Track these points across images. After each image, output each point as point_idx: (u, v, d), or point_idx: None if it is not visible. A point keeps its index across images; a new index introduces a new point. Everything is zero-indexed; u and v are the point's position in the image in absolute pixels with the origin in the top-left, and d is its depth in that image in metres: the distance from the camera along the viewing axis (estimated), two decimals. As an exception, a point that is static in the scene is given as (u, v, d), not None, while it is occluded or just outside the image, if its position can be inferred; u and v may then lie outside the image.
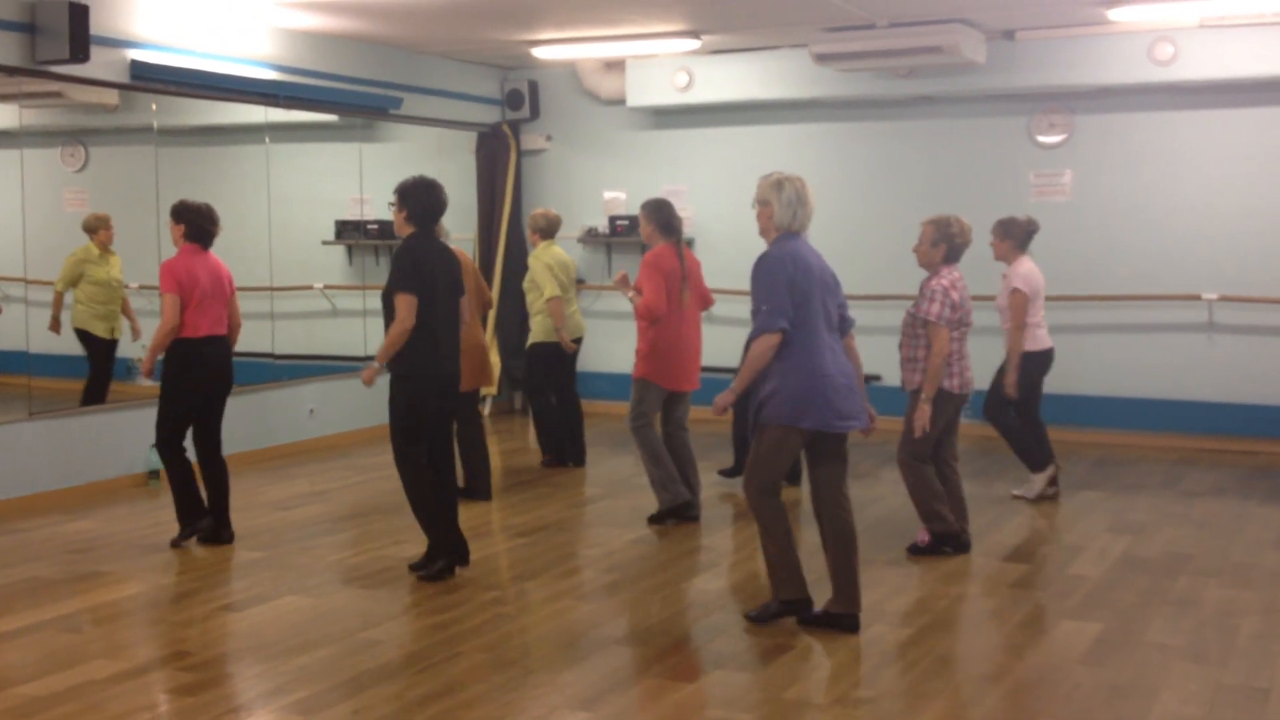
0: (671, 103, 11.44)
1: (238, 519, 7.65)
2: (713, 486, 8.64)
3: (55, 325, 8.99)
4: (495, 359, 11.93)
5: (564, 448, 9.44)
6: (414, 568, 6.52)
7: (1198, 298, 10.07)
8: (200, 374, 7.06)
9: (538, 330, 9.17)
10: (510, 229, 12.12)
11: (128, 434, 8.73)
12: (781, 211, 5.57)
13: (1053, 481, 8.27)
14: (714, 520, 7.82)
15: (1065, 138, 10.53)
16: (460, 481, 7.99)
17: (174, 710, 4.76)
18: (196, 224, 7.09)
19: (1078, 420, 10.44)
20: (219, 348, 7.11)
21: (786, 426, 5.50)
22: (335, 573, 6.61)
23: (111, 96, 9.00)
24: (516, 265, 12.03)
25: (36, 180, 8.75)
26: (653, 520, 7.64)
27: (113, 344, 9.35)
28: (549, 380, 9.29)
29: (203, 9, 9.11)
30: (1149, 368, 10.28)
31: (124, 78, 8.64)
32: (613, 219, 11.80)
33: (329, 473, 9.20)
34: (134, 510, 8.06)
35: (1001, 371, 8.12)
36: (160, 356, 7.03)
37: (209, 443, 7.25)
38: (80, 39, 7.90)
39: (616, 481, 8.90)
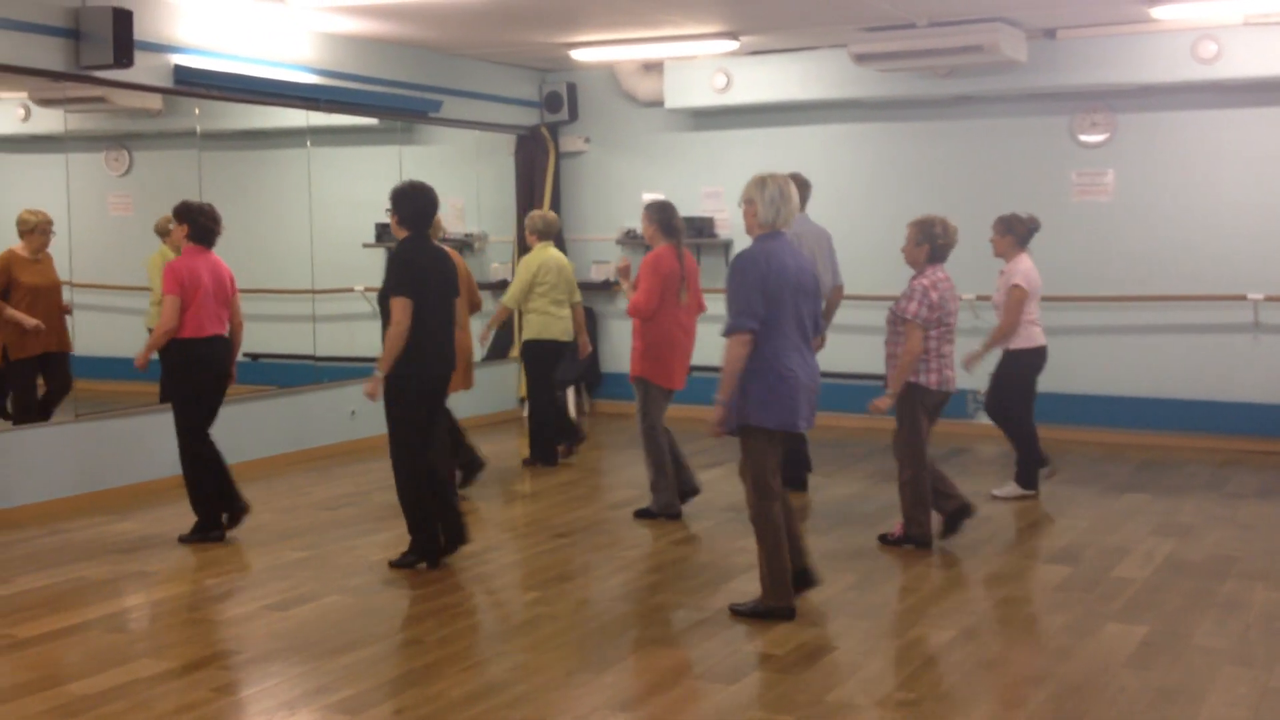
0: (710, 104, 11.43)
1: (282, 518, 7.71)
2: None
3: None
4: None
5: (573, 429, 9.71)
6: (392, 564, 6.72)
7: (1243, 298, 9.97)
8: (202, 372, 7.18)
9: (529, 327, 9.26)
10: (549, 231, 12.13)
11: (171, 435, 8.77)
12: (765, 209, 5.65)
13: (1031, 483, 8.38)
14: (746, 524, 7.79)
15: (1108, 137, 10.45)
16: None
17: (219, 709, 4.79)
18: (199, 224, 7.22)
19: (1122, 422, 10.36)
20: (220, 347, 7.26)
21: (757, 427, 5.63)
22: (378, 572, 6.64)
23: (155, 101, 9.08)
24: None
25: (81, 185, 8.84)
26: (639, 514, 7.87)
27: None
28: (545, 375, 9.39)
29: (245, 14, 9.18)
30: (1194, 368, 10.19)
31: (167, 82, 8.72)
32: (651, 220, 11.78)
33: (371, 473, 9.24)
34: (178, 511, 8.10)
35: (998, 371, 8.16)
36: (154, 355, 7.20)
37: (210, 442, 7.36)
38: (124, 44, 7.98)
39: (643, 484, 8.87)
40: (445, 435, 8.29)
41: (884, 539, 7.15)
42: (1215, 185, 10.11)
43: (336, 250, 10.72)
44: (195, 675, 5.16)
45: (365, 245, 11.23)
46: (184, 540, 7.25)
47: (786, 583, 5.75)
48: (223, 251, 9.47)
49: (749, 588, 6.38)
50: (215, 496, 7.30)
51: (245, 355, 9.95)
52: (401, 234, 6.60)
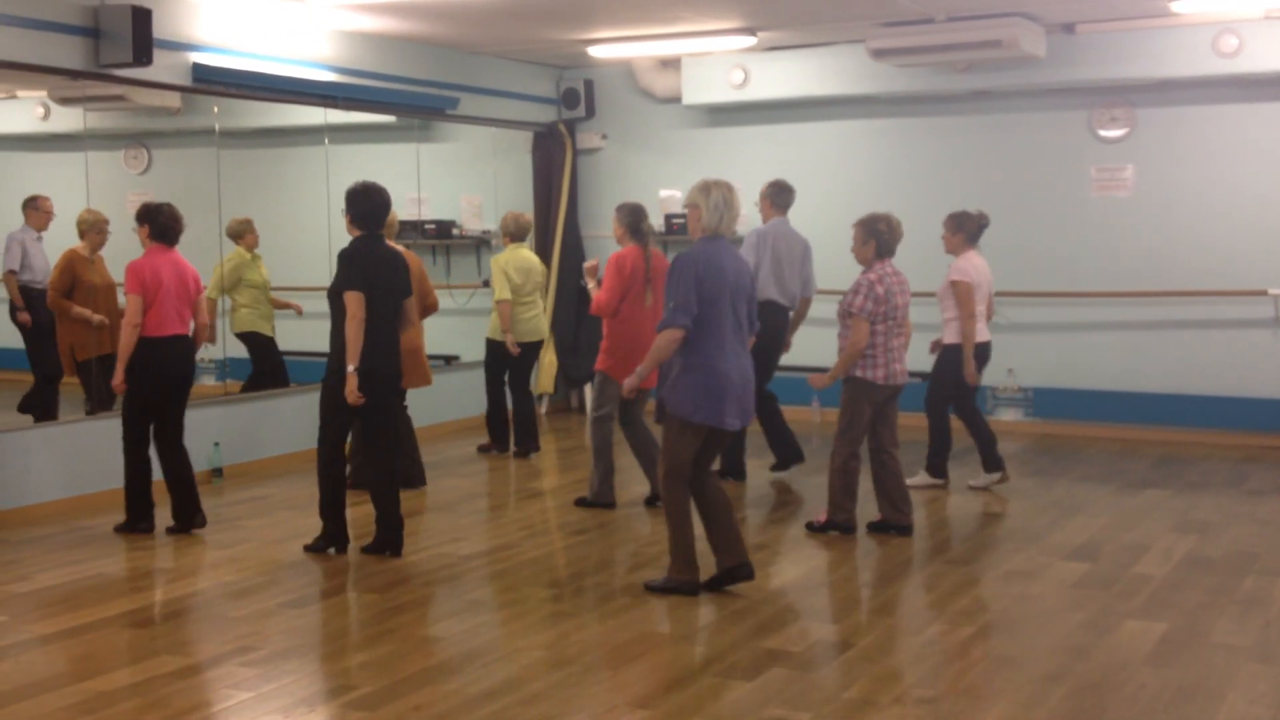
0: (727, 100, 11.42)
1: (299, 515, 7.73)
2: (769, 486, 8.62)
3: (212, 335, 8.95)
4: (552, 358, 11.96)
5: (506, 437, 9.88)
6: (306, 548, 6.98)
7: (1264, 293, 9.91)
8: (160, 371, 7.23)
9: (490, 327, 9.62)
10: (566, 228, 12.14)
11: (190, 432, 8.80)
12: (709, 215, 5.93)
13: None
14: (770, 519, 7.81)
15: (1127, 132, 10.40)
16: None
17: (237, 705, 4.81)
18: (159, 223, 7.31)
19: (1141, 418, 10.32)
20: (181, 346, 7.31)
21: (684, 420, 5.89)
22: (395, 570, 6.66)
23: (174, 99, 9.12)
24: (573, 264, 12.05)
25: (100, 183, 8.87)
26: (578, 502, 8.07)
27: (272, 340, 9.82)
28: (500, 375, 9.67)
29: (263, 12, 9.20)
30: (1214, 364, 10.13)
31: (186, 81, 8.75)
32: (669, 217, 11.79)
33: (388, 471, 9.25)
34: (197, 508, 8.15)
35: (939, 364, 8.30)
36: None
37: (172, 438, 7.42)
38: (143, 43, 8.00)
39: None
40: (408, 433, 8.58)
41: (810, 526, 7.33)
42: (1236, 180, 10.05)
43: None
44: (213, 672, 5.18)
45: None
46: (118, 530, 7.41)
47: (692, 559, 6.04)
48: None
49: (773, 584, 6.38)
50: (146, 490, 7.39)
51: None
52: (355, 232, 6.80)
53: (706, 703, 4.78)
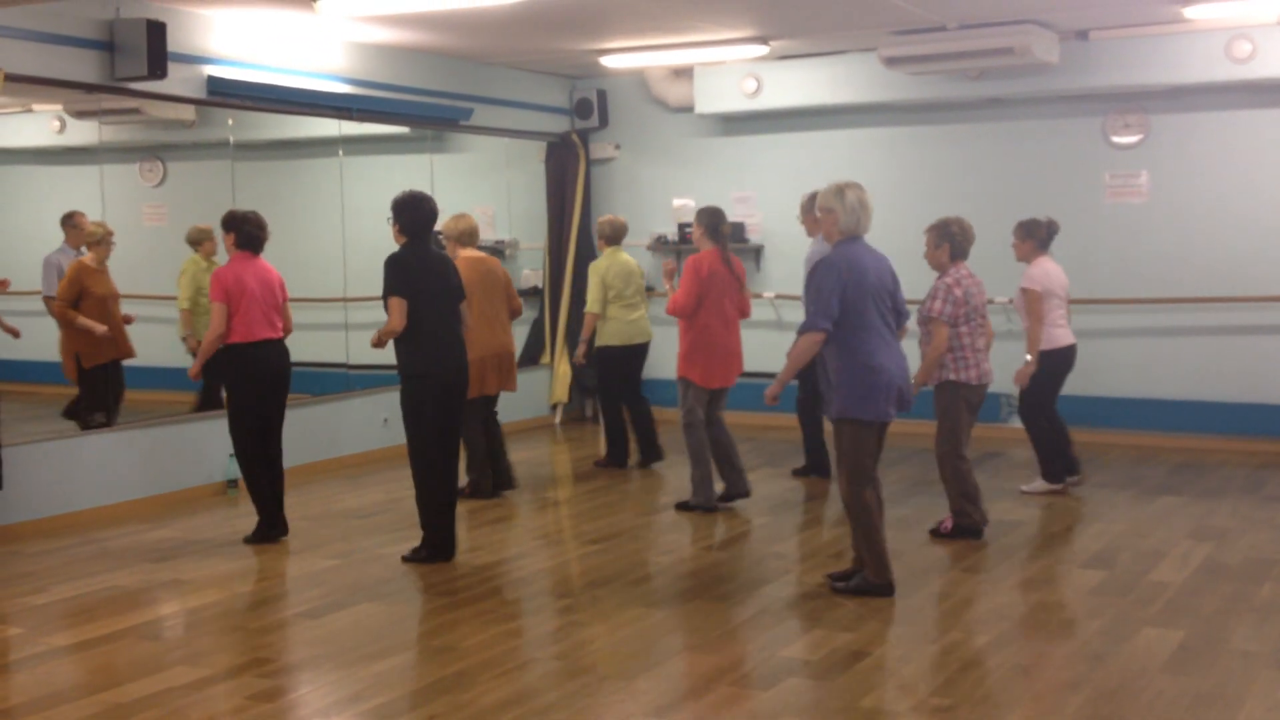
0: (740, 109, 11.42)
1: (315, 526, 7.74)
2: (788, 492, 8.60)
3: (194, 343, 9.02)
4: (565, 368, 11.97)
5: (626, 452, 9.64)
6: (405, 556, 6.98)
7: (1279, 299, 9.87)
8: (257, 374, 7.31)
9: (601, 334, 9.40)
10: (580, 237, 12.15)
11: (207, 443, 8.86)
12: (846, 217, 6.01)
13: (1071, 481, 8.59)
14: (785, 528, 7.80)
15: (1141, 138, 10.37)
16: (468, 483, 8.43)
17: (253, 716, 4.81)
18: (245, 231, 7.39)
19: (1157, 424, 10.28)
20: (272, 349, 7.37)
21: (854, 420, 5.99)
22: (410, 580, 6.66)
23: (188, 112, 9.16)
24: (587, 273, 12.05)
25: (116, 195, 8.92)
26: (679, 506, 8.12)
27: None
28: (614, 384, 9.52)
29: (277, 25, 9.23)
30: (1229, 370, 10.09)
31: (201, 93, 8.78)
32: (682, 226, 11.78)
33: (403, 480, 9.22)
34: (213, 519, 8.18)
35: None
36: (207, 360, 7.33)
37: (272, 447, 7.49)
38: (158, 56, 8.04)
39: (687, 489, 8.86)
40: (498, 438, 8.60)
41: (935, 533, 7.32)
42: (1250, 186, 10.02)
43: (369, 258, 10.70)
44: (229, 683, 5.19)
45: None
46: (248, 541, 7.42)
47: (886, 561, 6.15)
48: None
49: (788, 592, 6.38)
50: (271, 495, 7.45)
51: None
52: (401, 241, 6.88)
53: (722, 712, 4.77)
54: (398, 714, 4.79)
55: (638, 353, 9.48)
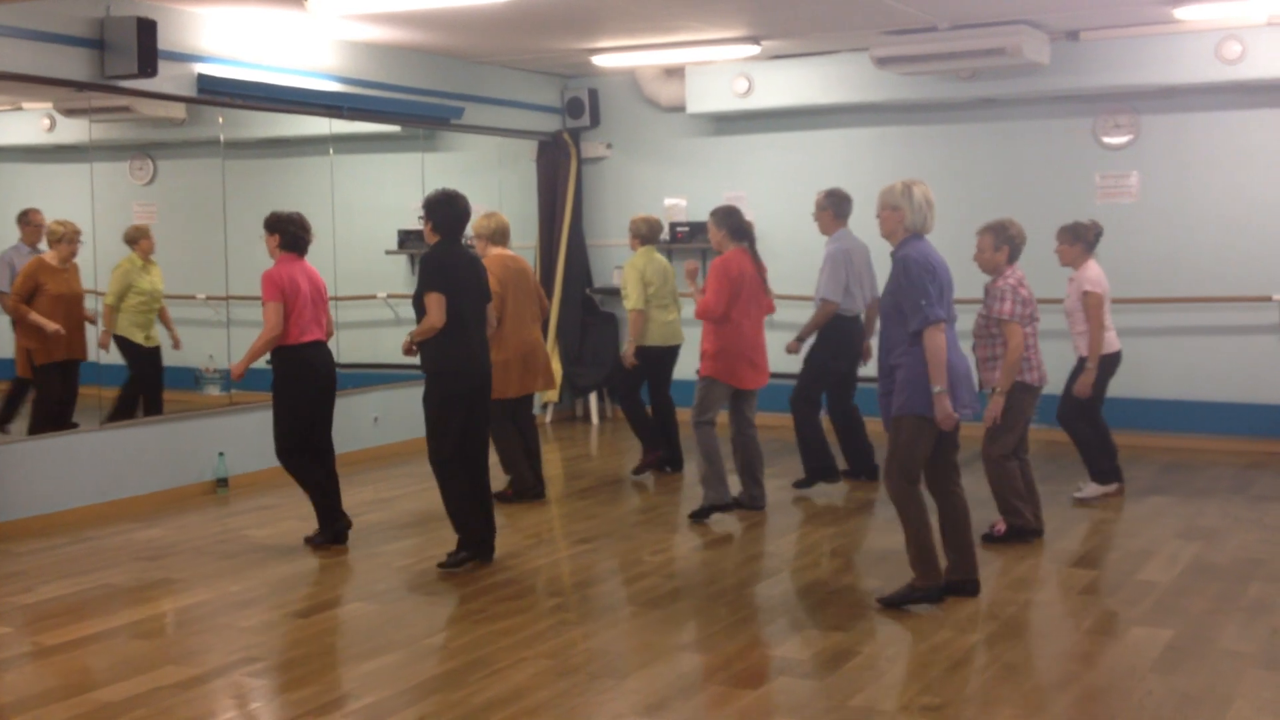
0: (731, 109, 11.43)
1: (305, 525, 7.73)
2: (779, 491, 8.61)
3: (106, 340, 8.99)
4: (556, 366, 11.97)
5: (662, 444, 9.28)
6: (441, 564, 6.79)
7: (1269, 299, 9.91)
8: (310, 377, 7.22)
9: (639, 335, 9.04)
10: (571, 237, 12.15)
11: (197, 442, 8.85)
12: (913, 214, 5.92)
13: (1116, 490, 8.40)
14: (778, 527, 7.80)
15: (1131, 139, 10.40)
16: (508, 484, 8.39)
17: (242, 716, 4.81)
18: (290, 232, 7.27)
19: (1146, 424, 10.31)
20: (322, 351, 7.32)
21: (921, 416, 5.79)
22: (400, 579, 6.66)
23: (179, 110, 9.14)
24: (578, 273, 12.08)
25: (106, 193, 8.90)
26: (694, 516, 7.84)
27: (154, 351, 9.35)
28: (639, 384, 9.20)
29: (268, 23, 9.22)
30: (1218, 370, 10.12)
31: (191, 91, 8.77)
32: (673, 225, 11.79)
33: (393, 480, 9.27)
34: (203, 518, 8.17)
35: (1074, 376, 8.10)
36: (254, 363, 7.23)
37: (321, 448, 7.37)
38: (148, 54, 8.03)
39: (680, 487, 8.89)
40: (535, 441, 8.45)
41: (988, 537, 7.13)
42: (1240, 186, 10.05)
43: (359, 257, 10.76)
44: (219, 682, 5.18)
45: (388, 252, 11.26)
46: (311, 541, 7.35)
47: (936, 564, 5.96)
48: (247, 258, 9.54)
49: (777, 591, 6.38)
50: (328, 494, 7.34)
51: (268, 363, 10.08)
52: (434, 239, 6.79)
53: (713, 711, 4.78)
54: (388, 713, 4.79)
55: (671, 355, 9.19)
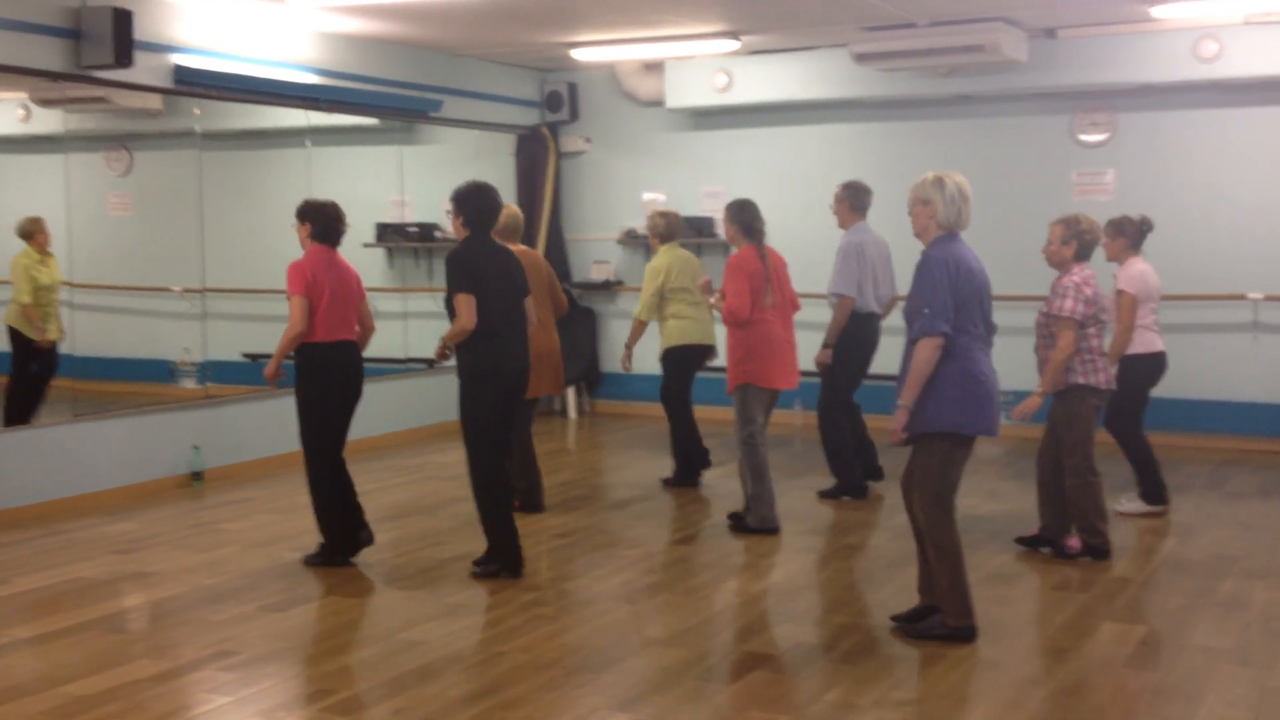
0: (711, 104, 11.43)
1: (280, 519, 7.70)
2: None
3: (43, 335, 8.81)
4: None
5: (697, 467, 8.86)
6: (476, 563, 6.60)
7: (1243, 297, 9.96)
8: (334, 380, 6.73)
9: (667, 335, 8.72)
10: (550, 231, 12.14)
11: (171, 435, 8.81)
12: (946, 209, 5.47)
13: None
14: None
15: (1108, 136, 10.44)
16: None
17: (216, 710, 4.79)
18: (322, 223, 6.79)
19: (1121, 421, 10.33)
20: (351, 352, 6.80)
21: (951, 434, 5.39)
22: (377, 573, 6.64)
23: (155, 101, 9.08)
24: (556, 268, 12.03)
25: (81, 185, 8.85)
26: (735, 527, 7.52)
27: (53, 347, 8.98)
28: (686, 390, 8.77)
29: (245, 14, 9.17)
30: (1194, 368, 10.15)
31: (167, 82, 8.72)
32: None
33: (369, 474, 9.22)
34: (177, 511, 8.13)
35: (1119, 379, 7.72)
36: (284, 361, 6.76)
37: (337, 455, 6.87)
38: (124, 44, 7.97)
39: (653, 484, 8.89)
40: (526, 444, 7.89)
41: (1060, 554, 6.82)
42: (1216, 185, 10.10)
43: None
44: (193, 676, 5.16)
45: (365, 245, 11.22)
46: (308, 562, 6.80)
47: (969, 600, 5.51)
48: (223, 251, 9.51)
49: (754, 587, 6.39)
50: (340, 515, 6.81)
51: (245, 356, 10.06)
52: (464, 234, 6.47)
53: (688, 706, 4.78)
54: (363, 708, 4.78)
55: (702, 354, 8.74)
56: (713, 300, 7.56)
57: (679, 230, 8.86)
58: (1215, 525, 7.59)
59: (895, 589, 6.34)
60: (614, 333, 12.20)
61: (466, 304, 6.27)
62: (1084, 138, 10.51)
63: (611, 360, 12.20)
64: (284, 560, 6.90)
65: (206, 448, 8.98)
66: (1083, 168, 10.51)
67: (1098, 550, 6.78)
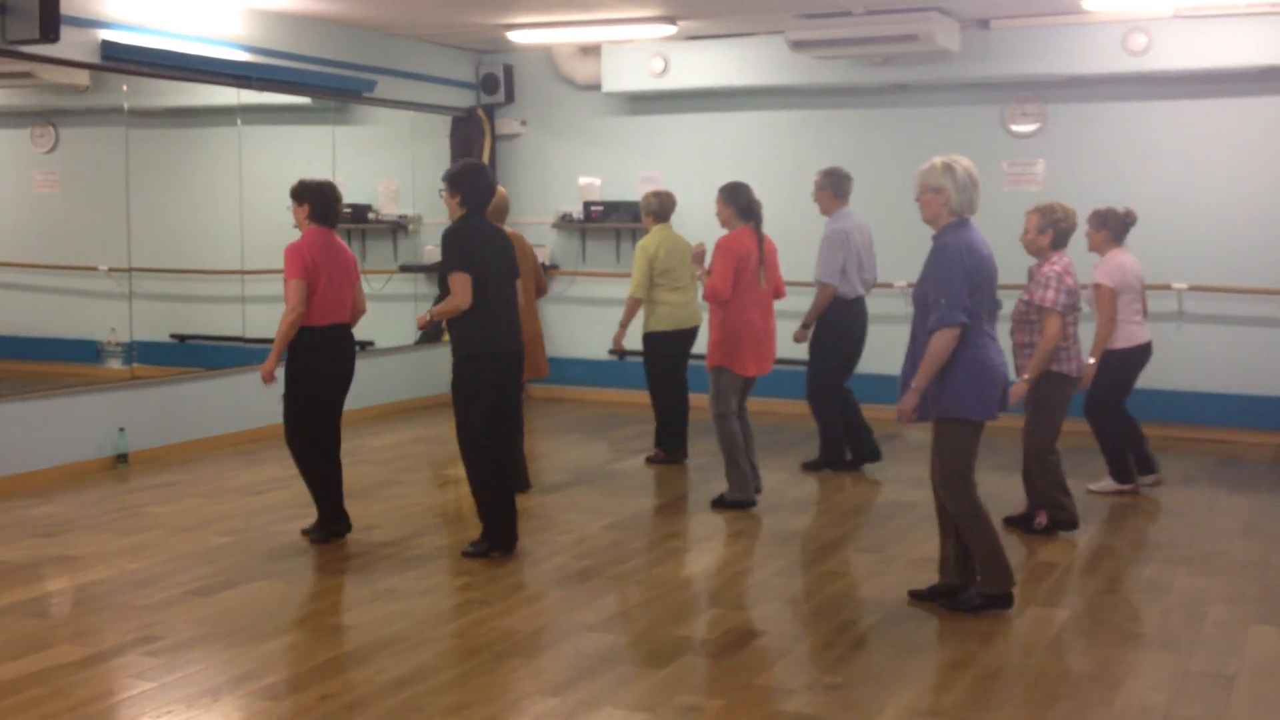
0: (647, 88, 11.41)
1: (208, 503, 7.62)
2: (698, 470, 8.63)
3: None
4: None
5: (683, 442, 9.00)
6: (465, 551, 6.59)
7: (1168, 287, 10.13)
8: (327, 363, 6.70)
9: (653, 319, 8.72)
10: (484, 214, 12.07)
11: (96, 417, 8.68)
12: (958, 195, 5.53)
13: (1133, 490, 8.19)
14: (688, 506, 7.83)
15: (1038, 127, 10.55)
16: None
17: (141, 695, 4.73)
18: (321, 204, 6.73)
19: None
20: (345, 335, 6.80)
21: (962, 419, 5.54)
22: (306, 558, 6.59)
23: (82, 77, 8.93)
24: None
25: (6, 161, 8.70)
26: (715, 503, 7.67)
27: None
28: (668, 373, 8.85)
29: (174, -11, 9.03)
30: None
31: (95, 58, 8.57)
32: (587, 204, 11.77)
33: (300, 457, 9.15)
34: (102, 494, 8.01)
35: (1098, 368, 7.92)
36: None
37: (329, 439, 6.86)
38: (51, 19, 7.80)
39: (587, 468, 8.89)
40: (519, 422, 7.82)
41: (1032, 530, 7.03)
42: (1144, 176, 10.24)
43: (267, 231, 10.55)
44: (117, 661, 5.09)
45: (296, 226, 11.07)
46: (309, 535, 6.85)
47: (1007, 566, 5.66)
48: (151, 230, 9.36)
49: (685, 572, 6.41)
50: (330, 489, 6.82)
51: (173, 337, 9.93)
52: (459, 214, 6.44)
53: (618, 690, 4.79)
54: (290, 693, 4.74)
55: (687, 338, 8.81)
56: (699, 273, 7.60)
57: (671, 210, 8.87)
58: (1138, 512, 7.72)
59: (822, 573, 6.39)
60: (549, 318, 12.15)
61: (462, 283, 6.27)
62: (1015, 128, 10.62)
63: (551, 344, 12.15)
64: (211, 544, 6.83)
65: (132, 430, 8.85)
66: (1014, 158, 10.62)
67: (1064, 524, 7.02)
